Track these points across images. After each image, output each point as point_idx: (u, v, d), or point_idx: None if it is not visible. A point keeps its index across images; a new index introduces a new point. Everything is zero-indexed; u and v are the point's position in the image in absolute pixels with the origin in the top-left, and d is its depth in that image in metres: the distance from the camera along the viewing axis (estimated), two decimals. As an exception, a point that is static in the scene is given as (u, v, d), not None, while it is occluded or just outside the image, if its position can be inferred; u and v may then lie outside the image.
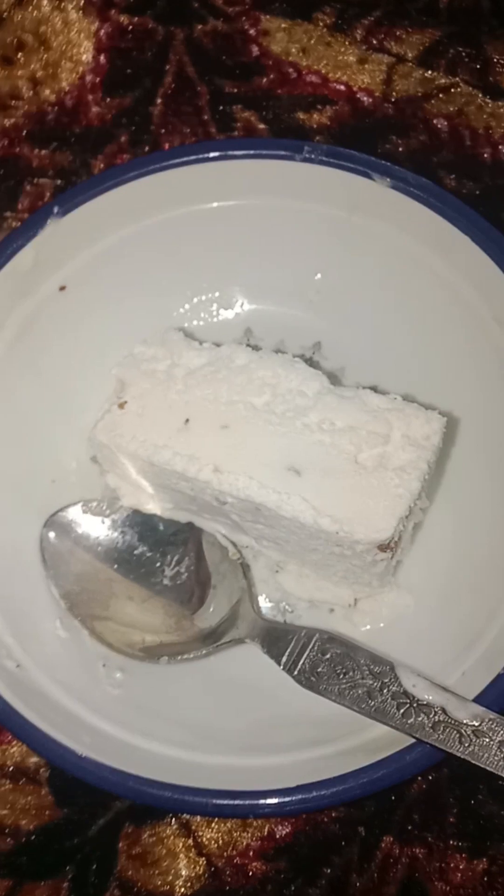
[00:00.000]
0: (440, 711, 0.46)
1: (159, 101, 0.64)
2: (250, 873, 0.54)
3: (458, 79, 0.65)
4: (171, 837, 0.53)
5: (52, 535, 0.56)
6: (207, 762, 0.49)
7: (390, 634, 0.54)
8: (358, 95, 0.64)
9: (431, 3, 0.64)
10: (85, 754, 0.50)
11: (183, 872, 0.52)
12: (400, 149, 0.63)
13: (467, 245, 0.55)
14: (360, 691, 0.49)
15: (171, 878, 0.52)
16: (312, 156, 0.56)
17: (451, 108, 0.64)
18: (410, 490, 0.48)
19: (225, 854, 0.53)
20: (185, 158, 0.57)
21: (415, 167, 0.57)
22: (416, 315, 0.58)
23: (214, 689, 0.53)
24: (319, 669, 0.50)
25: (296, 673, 0.50)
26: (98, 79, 0.63)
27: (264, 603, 0.57)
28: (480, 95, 0.63)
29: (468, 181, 0.63)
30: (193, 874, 0.52)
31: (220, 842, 0.55)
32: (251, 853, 0.53)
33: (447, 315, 0.57)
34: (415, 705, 0.47)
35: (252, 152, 0.56)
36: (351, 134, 0.63)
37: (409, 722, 0.47)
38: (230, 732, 0.51)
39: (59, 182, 0.63)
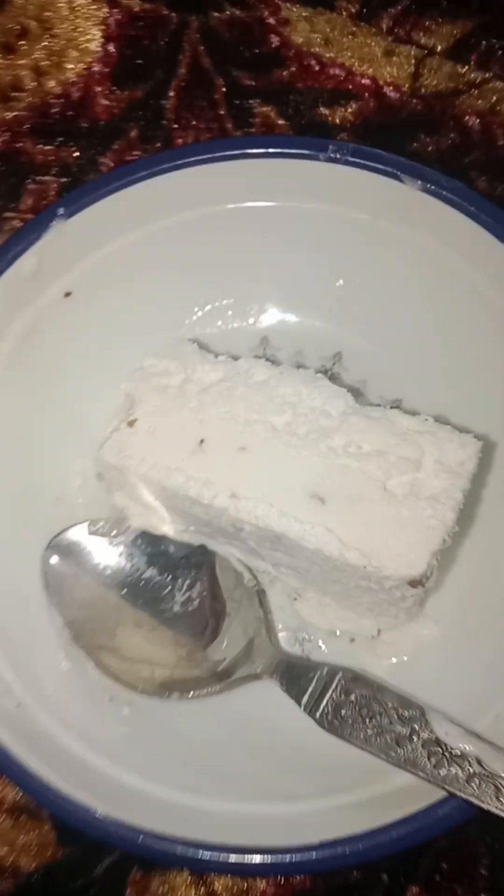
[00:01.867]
0: (475, 762, 0.43)
1: (172, 93, 0.60)
2: (266, 922, 0.51)
3: (490, 73, 0.60)
4: (183, 886, 0.49)
5: (55, 558, 0.53)
6: (221, 809, 0.47)
7: (416, 668, 0.51)
8: (384, 90, 0.61)
9: (462, -8, 0.59)
10: (90, 806, 0.46)
11: (194, 924, 0.48)
12: (429, 148, 0.60)
13: (502, 254, 0.51)
14: (387, 738, 0.46)
15: (183, 927, 0.48)
16: (338, 155, 0.52)
17: (484, 105, 0.61)
18: (444, 522, 0.45)
19: (239, 901, 0.49)
20: (199, 157, 0.53)
21: (444, 168, 0.54)
22: (445, 327, 0.55)
23: (228, 728, 0.50)
24: (343, 712, 0.47)
25: (318, 715, 0.47)
26: (107, 69, 0.60)
27: (281, 632, 0.54)
28: (515, 91, 0.59)
29: (501, 184, 0.59)
30: (206, 924, 0.48)
31: (235, 889, 0.52)
32: (267, 901, 0.49)
33: (479, 328, 0.53)
34: (447, 755, 0.44)
35: (272, 151, 0.53)
36: (377, 131, 0.60)
37: (441, 773, 0.44)
38: (246, 776, 0.49)
39: (64, 180, 0.59)
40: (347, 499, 0.46)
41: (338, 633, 0.53)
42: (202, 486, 0.48)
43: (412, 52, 0.61)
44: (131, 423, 0.50)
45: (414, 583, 0.45)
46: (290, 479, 0.47)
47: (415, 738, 0.45)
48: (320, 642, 0.53)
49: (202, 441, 0.49)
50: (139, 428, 0.50)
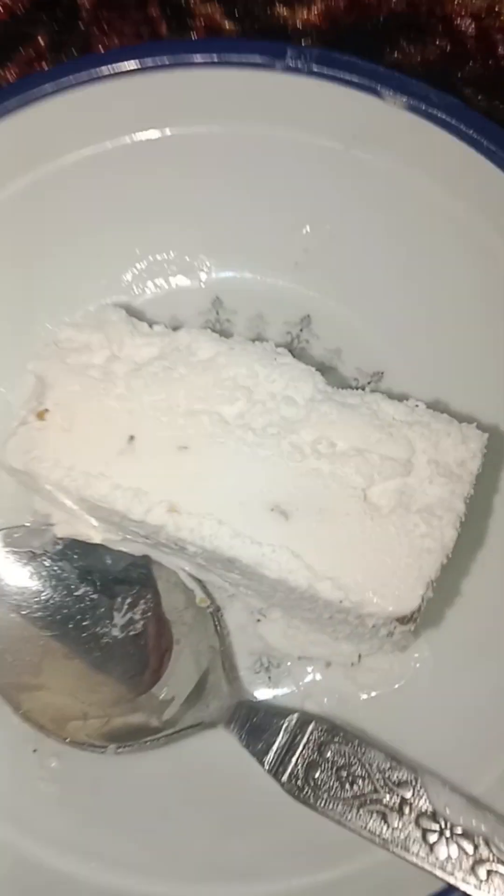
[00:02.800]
0: (484, 844, 0.36)
1: (90, -11, 0.52)
2: None
3: None
4: None
5: None
6: (172, 894, 0.41)
7: (403, 703, 0.46)
8: None
9: None
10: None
11: None
12: (413, 59, 0.53)
13: None
14: (372, 811, 0.39)
15: None
16: (298, 64, 0.45)
17: (480, 3, 0.54)
18: (443, 541, 0.38)
19: None
20: (124, 67, 0.46)
21: (432, 83, 0.47)
22: (434, 281, 0.49)
23: (178, 788, 0.45)
24: (317, 775, 0.41)
25: (285, 778, 0.41)
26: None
27: (242, 657, 0.48)
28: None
29: (501, 102, 0.53)
30: None
31: None
32: None
33: (477, 282, 0.47)
34: (448, 835, 0.37)
35: (216, 59, 0.46)
36: (348, 37, 0.53)
37: (439, 859, 0.37)
38: (201, 849, 0.43)
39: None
40: (318, 513, 0.39)
41: (310, 658, 0.47)
42: (132, 497, 0.41)
43: None
44: (41, 416, 0.43)
45: (404, 620, 0.37)
46: (245, 487, 0.40)
47: (406, 811, 0.38)
48: (289, 667, 0.48)
49: (132, 438, 0.42)
50: (52, 421, 0.42)
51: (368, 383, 0.50)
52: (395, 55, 0.53)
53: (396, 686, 0.46)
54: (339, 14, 0.53)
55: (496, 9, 0.54)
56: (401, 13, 0.54)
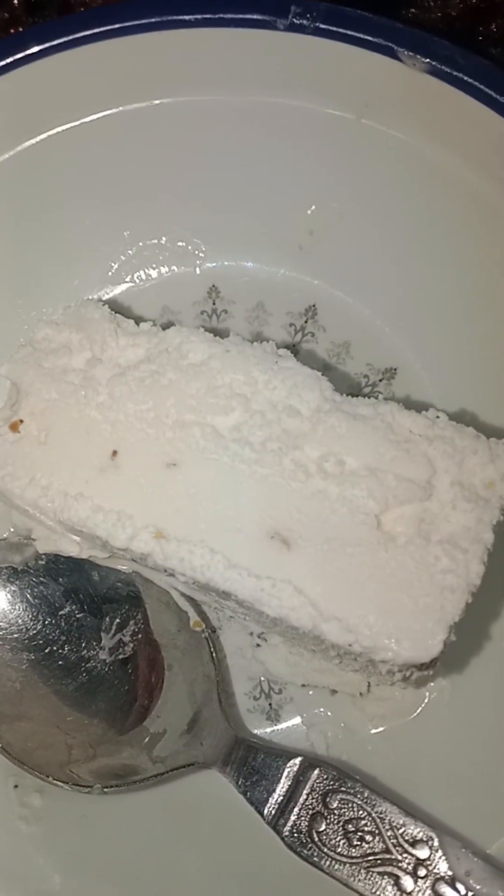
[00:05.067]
0: None
1: None
2: None
3: None
4: None
5: None
6: None
7: (418, 737, 0.42)
8: None
9: None
10: None
11: None
12: (431, 14, 0.49)
13: None
14: (383, 873, 0.35)
15: None
16: (304, 21, 0.42)
17: None
18: (468, 578, 0.34)
19: None
20: (108, 27, 0.42)
21: (455, 42, 0.43)
22: (454, 266, 0.45)
23: (170, 830, 0.42)
24: (322, 829, 0.36)
25: (286, 832, 0.37)
26: None
27: (239, 682, 0.45)
28: None
29: None
30: None
31: None
32: None
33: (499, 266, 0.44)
34: None
35: (211, 17, 0.42)
36: None
37: None
38: None
39: None
40: (324, 542, 0.35)
41: (314, 686, 0.44)
42: (115, 521, 0.37)
43: None
44: (15, 427, 0.40)
45: (424, 667, 0.33)
46: (241, 511, 0.36)
47: (422, 875, 0.34)
48: (292, 693, 0.44)
49: (115, 453, 0.38)
50: (27, 433, 0.40)
51: (381, 380, 0.46)
52: (412, 11, 0.49)
53: (408, 718, 0.42)
54: (351, -36, 0.48)
55: (527, -42, 0.49)
56: (420, -38, 0.49)
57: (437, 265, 0.46)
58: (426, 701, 0.43)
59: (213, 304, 0.48)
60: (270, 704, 0.44)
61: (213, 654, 0.44)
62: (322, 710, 0.44)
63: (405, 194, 0.45)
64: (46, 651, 0.43)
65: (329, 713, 0.43)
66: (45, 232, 0.46)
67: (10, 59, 0.42)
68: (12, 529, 0.45)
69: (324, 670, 0.43)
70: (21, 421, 0.39)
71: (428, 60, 0.40)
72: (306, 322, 0.48)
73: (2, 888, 0.39)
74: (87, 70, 0.43)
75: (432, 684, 0.43)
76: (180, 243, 0.48)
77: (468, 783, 0.39)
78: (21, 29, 0.48)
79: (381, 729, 0.43)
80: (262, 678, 0.45)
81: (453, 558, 0.33)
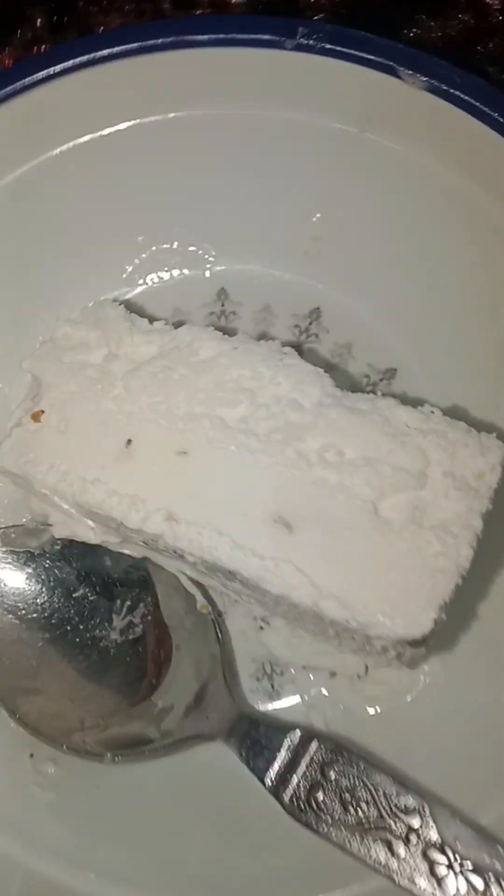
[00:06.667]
0: (494, 882, 0.34)
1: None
2: None
3: None
4: None
5: None
6: None
7: (412, 718, 0.43)
8: None
9: None
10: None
11: None
12: (433, 34, 0.51)
13: None
14: (376, 838, 0.36)
15: None
16: (311, 41, 0.43)
17: None
18: (458, 561, 0.35)
19: None
20: (126, 47, 0.44)
21: (453, 61, 0.45)
22: (452, 273, 0.47)
23: (177, 797, 0.43)
24: (319, 797, 0.38)
25: (286, 799, 0.38)
26: None
27: (244, 664, 0.46)
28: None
29: None
30: None
31: None
32: None
33: (494, 274, 0.45)
34: (457, 869, 0.34)
35: (223, 37, 0.44)
36: (362, 12, 0.51)
37: (448, 895, 0.34)
38: (196, 864, 0.41)
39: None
40: (324, 526, 0.37)
41: (315, 668, 0.45)
42: (129, 504, 0.38)
43: None
44: (37, 417, 0.41)
45: (415, 643, 0.35)
46: (247, 496, 0.38)
47: (413, 841, 0.35)
48: (293, 675, 0.45)
49: (129, 442, 0.39)
50: (47, 423, 0.40)
51: (381, 380, 0.48)
52: (413, 31, 0.51)
53: (405, 700, 0.43)
54: (354, -13, 0.51)
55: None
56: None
57: (435, 272, 0.47)
58: (421, 683, 0.43)
59: (222, 305, 0.49)
60: (272, 685, 0.45)
61: (219, 636, 0.44)
62: (321, 690, 0.45)
63: (405, 204, 0.46)
64: (61, 630, 0.44)
65: (328, 694, 0.44)
66: (65, 238, 0.48)
67: (34, 77, 0.44)
68: (30, 516, 0.45)
69: (323, 653, 0.44)
70: (42, 412, 0.40)
71: (426, 79, 0.41)
72: (310, 324, 0.49)
73: (19, 849, 0.40)
74: (107, 86, 0.45)
75: (427, 668, 0.44)
76: (191, 248, 0.49)
77: (460, 759, 0.40)
78: (44, 47, 0.50)
79: (377, 709, 0.44)
80: (265, 660, 0.45)
81: (444, 543, 0.35)
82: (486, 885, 0.33)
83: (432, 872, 0.34)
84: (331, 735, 0.40)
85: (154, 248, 0.49)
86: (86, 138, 0.46)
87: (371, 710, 0.43)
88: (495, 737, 0.41)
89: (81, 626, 0.44)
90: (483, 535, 0.37)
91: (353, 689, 0.44)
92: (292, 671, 0.45)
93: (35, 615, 0.45)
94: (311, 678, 0.45)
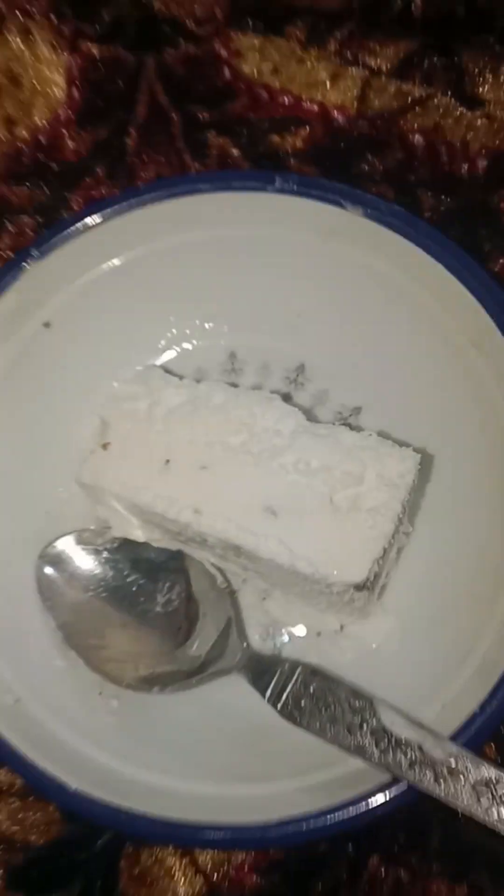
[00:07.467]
0: (417, 749, 0.44)
1: (133, 131, 0.60)
2: (246, 886, 0.53)
3: (434, 89, 0.58)
4: (169, 858, 0.52)
5: (47, 566, 0.53)
6: (196, 791, 0.48)
7: (377, 660, 0.52)
8: (332, 114, 0.60)
9: (405, 13, 0.59)
10: (77, 789, 0.48)
11: (181, 891, 0.51)
12: (377, 168, 0.59)
13: (440, 272, 0.50)
14: (340, 727, 0.46)
15: (170, 896, 0.50)
16: (284, 186, 0.52)
17: (427, 122, 0.59)
18: (384, 531, 0.46)
19: (221, 869, 0.52)
20: (157, 193, 0.54)
21: (392, 187, 0.56)
22: (393, 339, 0.55)
23: (205, 718, 0.51)
24: (302, 703, 0.47)
25: (279, 706, 0.48)
26: (72, 113, 0.59)
27: (253, 629, 0.54)
28: (457, 105, 0.58)
29: (446, 197, 0.58)
30: (192, 892, 0.51)
31: (217, 858, 0.54)
32: (246, 867, 0.52)
33: (425, 345, 0.53)
34: (393, 743, 0.44)
35: (223, 185, 0.53)
36: (326, 155, 0.59)
37: (387, 760, 0.44)
38: (221, 760, 0.50)
39: (39, 219, 0.60)
40: (297, 512, 0.47)
41: (305, 628, 0.54)
42: (168, 503, 0.48)
43: (358, 74, 0.59)
44: (105, 447, 0.51)
45: (358, 587, 0.46)
46: (247, 494, 0.48)
47: (364, 727, 0.45)
48: (289, 637, 0.54)
49: (168, 461, 0.50)
50: (112, 450, 0.51)
51: (350, 415, 0.56)
52: (363, 167, 0.59)
53: (371, 648, 0.52)
54: (319, 139, 0.60)
55: (440, 125, 0.61)
56: (366, 134, 0.59)
57: (384, 341, 0.54)
58: (383, 635, 0.52)
59: (232, 365, 0.58)
60: (274, 644, 0.53)
61: (232, 603, 0.52)
62: (310, 644, 0.53)
63: (359, 293, 0.53)
64: (120, 604, 0.52)
65: (315, 647, 0.53)
66: (120, 324, 0.56)
67: (91, 223, 0.53)
68: (96, 520, 0.54)
69: (310, 615, 0.52)
70: (108, 443, 0.51)
71: (361, 208, 0.50)
72: (297, 376, 0.57)
73: (98, 752, 0.49)
74: (135, 221, 0.53)
75: (387, 626, 0.53)
76: (207, 325, 0.57)
77: (411, 687, 0.49)
78: (103, 191, 0.59)
79: (352, 656, 0.52)
80: (268, 625, 0.53)
81: (375, 520, 0.45)
82: (412, 751, 0.44)
83: (377, 746, 0.46)
84: (310, 664, 0.49)
85: (182, 326, 0.57)
86: (134, 253, 0.54)
87: (347, 656, 0.52)
88: (435, 668, 0.49)
89: (134, 601, 0.52)
90: (402, 517, 0.46)
91: (333, 643, 0.53)
92: (288, 637, 0.53)
93: (101, 593, 0.52)
94: (303, 637, 0.53)
